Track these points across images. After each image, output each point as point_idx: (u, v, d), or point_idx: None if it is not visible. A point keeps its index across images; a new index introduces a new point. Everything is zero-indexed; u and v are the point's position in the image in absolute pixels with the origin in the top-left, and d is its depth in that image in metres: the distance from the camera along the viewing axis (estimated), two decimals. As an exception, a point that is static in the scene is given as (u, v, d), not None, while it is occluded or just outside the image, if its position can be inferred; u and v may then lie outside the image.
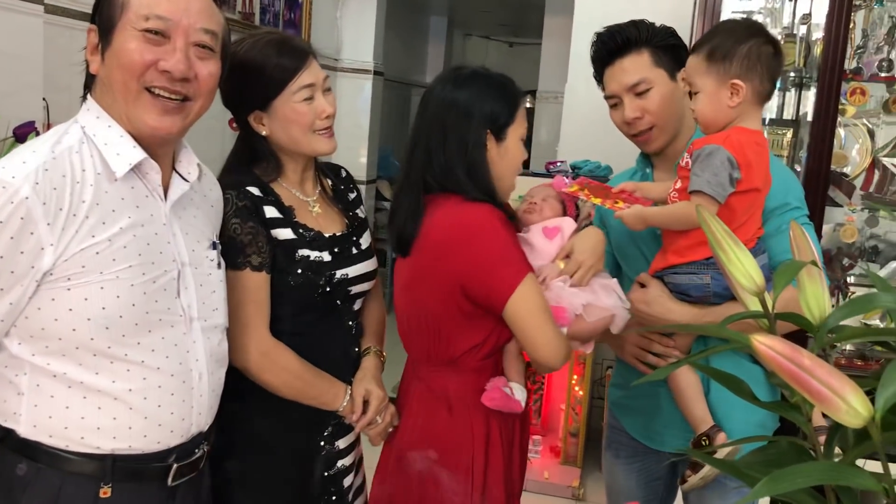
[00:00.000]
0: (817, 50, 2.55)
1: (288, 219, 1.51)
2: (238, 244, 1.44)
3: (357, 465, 1.69)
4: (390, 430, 1.60)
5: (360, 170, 4.58)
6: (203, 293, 1.31)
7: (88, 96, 1.25)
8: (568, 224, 1.62)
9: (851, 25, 2.50)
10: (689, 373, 1.60)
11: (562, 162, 3.58)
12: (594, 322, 1.54)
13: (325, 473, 1.58)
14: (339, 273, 1.54)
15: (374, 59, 4.63)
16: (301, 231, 1.52)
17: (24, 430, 1.17)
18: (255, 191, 1.49)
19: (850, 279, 2.74)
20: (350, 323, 1.61)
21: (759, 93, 1.51)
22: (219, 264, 1.37)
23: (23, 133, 1.75)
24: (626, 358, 1.73)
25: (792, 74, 2.65)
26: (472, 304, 1.46)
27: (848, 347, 2.55)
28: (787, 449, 0.77)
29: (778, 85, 2.32)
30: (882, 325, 2.56)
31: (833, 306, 0.71)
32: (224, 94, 1.47)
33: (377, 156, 4.99)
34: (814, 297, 0.73)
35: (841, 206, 2.67)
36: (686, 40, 1.73)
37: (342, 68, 4.59)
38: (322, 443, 1.57)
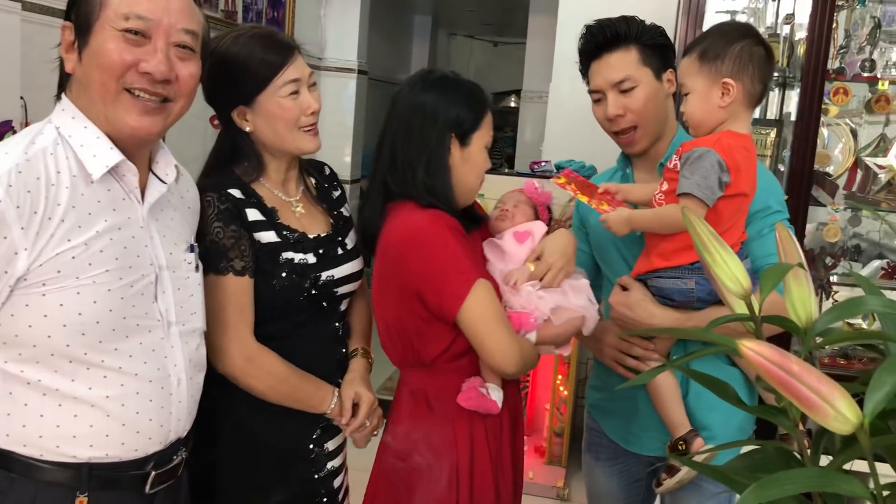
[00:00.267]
0: (800, 50, 2.57)
1: (271, 221, 1.49)
2: (220, 248, 1.42)
3: (345, 466, 1.68)
4: (375, 434, 1.59)
5: (344, 169, 4.55)
6: (181, 297, 1.28)
7: (63, 95, 1.22)
8: (538, 227, 1.62)
9: (834, 26, 2.51)
10: (668, 377, 1.59)
11: (546, 162, 3.58)
12: (563, 325, 1.53)
13: (316, 476, 1.57)
14: (324, 275, 1.52)
15: (358, 58, 4.61)
16: (285, 233, 1.50)
17: None
18: (236, 193, 1.47)
19: (834, 278, 2.75)
20: (336, 324, 1.60)
21: (750, 94, 1.50)
22: (196, 267, 1.35)
23: (-1, 133, 1.73)
24: (605, 361, 1.71)
25: (776, 74, 2.65)
26: (428, 311, 1.46)
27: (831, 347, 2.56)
28: (773, 454, 0.76)
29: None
30: (865, 325, 2.58)
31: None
32: (207, 90, 1.45)
33: (361, 155, 4.97)
34: (800, 299, 0.73)
35: (824, 205, 2.69)
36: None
37: (326, 67, 4.56)
38: (311, 445, 1.55)
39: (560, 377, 3.40)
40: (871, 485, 0.60)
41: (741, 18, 2.74)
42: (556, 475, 3.35)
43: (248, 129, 1.50)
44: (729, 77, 1.47)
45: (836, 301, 2.76)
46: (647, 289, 1.57)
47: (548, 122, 3.83)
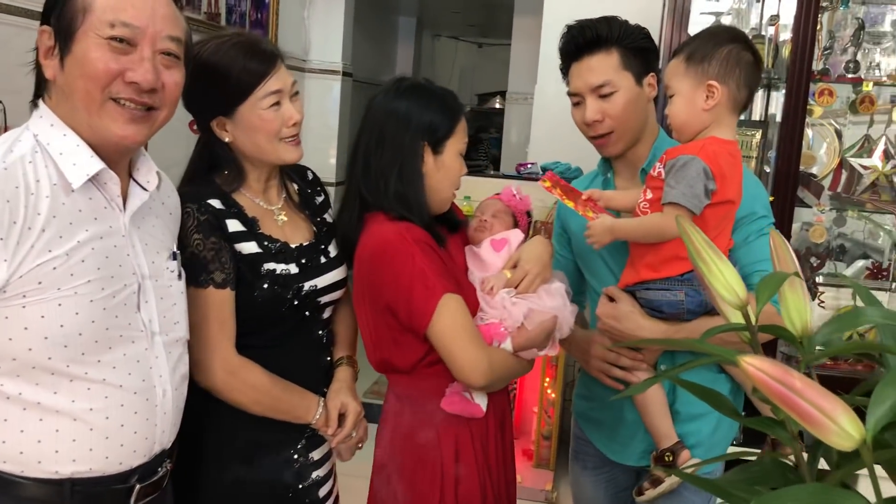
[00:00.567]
0: (785, 51, 2.57)
1: (252, 231, 1.47)
2: (201, 260, 1.39)
3: (332, 473, 1.66)
4: (360, 447, 1.58)
5: (329, 171, 4.53)
6: (164, 306, 1.26)
7: (40, 102, 1.19)
8: (515, 235, 1.62)
9: (818, 27, 2.52)
10: (656, 388, 1.57)
11: (533, 164, 3.57)
12: (535, 328, 1.52)
13: (300, 486, 1.54)
14: (307, 285, 1.50)
15: (342, 59, 4.58)
16: (266, 244, 1.47)
17: None
18: (216, 203, 1.44)
19: (819, 279, 2.76)
20: (320, 332, 1.58)
21: (735, 99, 1.48)
22: (179, 275, 1.32)
23: (-23, 139, 1.69)
24: (592, 372, 1.69)
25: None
26: (400, 324, 1.46)
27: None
28: (770, 466, 0.75)
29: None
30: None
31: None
32: (186, 98, 1.40)
33: (346, 157, 4.95)
34: (795, 308, 0.72)
35: (810, 206, 2.70)
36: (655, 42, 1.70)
37: (310, 69, 4.53)
38: (296, 455, 1.53)
39: (548, 380, 3.39)
40: (874, 500, 0.59)
41: (726, 20, 2.75)
42: (545, 478, 3.34)
43: (227, 139, 1.47)
44: (714, 79, 1.46)
45: (822, 301, 2.77)
46: (635, 300, 1.55)
47: (533, 124, 3.82)
